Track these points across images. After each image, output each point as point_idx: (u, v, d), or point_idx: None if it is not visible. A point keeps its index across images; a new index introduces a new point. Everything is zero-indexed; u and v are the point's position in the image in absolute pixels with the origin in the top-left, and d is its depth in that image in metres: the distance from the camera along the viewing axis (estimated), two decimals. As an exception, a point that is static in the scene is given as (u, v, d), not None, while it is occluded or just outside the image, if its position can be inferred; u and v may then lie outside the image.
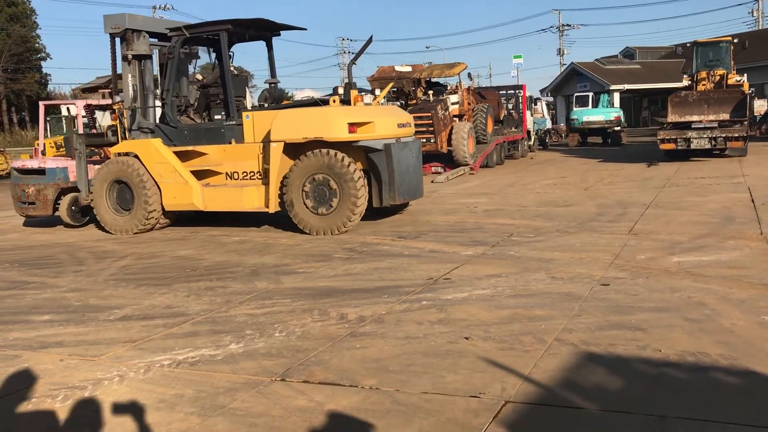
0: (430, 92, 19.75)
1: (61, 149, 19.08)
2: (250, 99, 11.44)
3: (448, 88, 20.88)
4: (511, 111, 25.33)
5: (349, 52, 66.97)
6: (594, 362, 4.06)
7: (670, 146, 18.06)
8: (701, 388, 3.64)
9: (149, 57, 10.61)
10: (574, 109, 31.47)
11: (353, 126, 9.21)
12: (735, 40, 21.24)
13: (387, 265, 7.11)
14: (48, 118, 21.45)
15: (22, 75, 52.30)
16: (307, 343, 4.71)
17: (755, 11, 51.28)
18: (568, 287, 5.79)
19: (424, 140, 16.89)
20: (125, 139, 10.67)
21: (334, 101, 9.61)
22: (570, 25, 58.53)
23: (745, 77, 21.74)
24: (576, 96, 32.98)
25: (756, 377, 3.74)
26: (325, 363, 4.31)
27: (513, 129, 24.34)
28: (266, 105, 10.75)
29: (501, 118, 23.30)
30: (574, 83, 45.62)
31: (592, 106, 31.19)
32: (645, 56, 51.89)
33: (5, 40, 49.59)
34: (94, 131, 12.23)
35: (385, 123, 9.61)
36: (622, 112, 31.37)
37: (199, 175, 10.15)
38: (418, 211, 11.15)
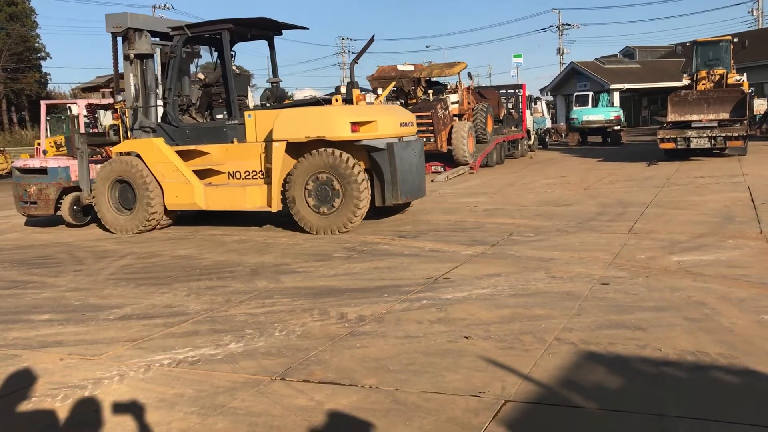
0: (430, 91, 19.73)
1: (61, 149, 19.10)
2: (252, 98, 11.44)
3: (448, 87, 20.86)
4: (511, 110, 25.32)
5: (349, 52, 67.01)
6: (594, 361, 4.07)
7: (670, 145, 18.05)
8: (701, 387, 3.65)
9: (151, 56, 10.61)
10: (574, 108, 31.46)
11: (356, 125, 9.19)
12: (735, 40, 21.19)
13: (387, 265, 7.11)
14: (47, 118, 21.41)
15: (21, 74, 52.24)
16: (307, 343, 4.71)
17: (755, 10, 51.30)
18: (568, 286, 5.80)
19: (424, 139, 16.87)
20: (127, 138, 10.68)
21: (336, 100, 9.60)
22: (570, 25, 58.48)
23: (744, 76, 21.74)
24: (576, 95, 32.96)
25: (755, 376, 3.74)
26: (325, 362, 4.31)
27: (513, 128, 24.32)
28: (268, 104, 10.75)
29: (501, 118, 23.30)
30: (573, 82, 45.64)
31: (592, 106, 31.19)
32: (645, 55, 51.87)
33: (5, 40, 49.54)
34: (95, 130, 12.24)
35: (388, 122, 9.60)
36: (621, 112, 31.39)
37: (202, 174, 10.15)
38: (418, 211, 11.15)
